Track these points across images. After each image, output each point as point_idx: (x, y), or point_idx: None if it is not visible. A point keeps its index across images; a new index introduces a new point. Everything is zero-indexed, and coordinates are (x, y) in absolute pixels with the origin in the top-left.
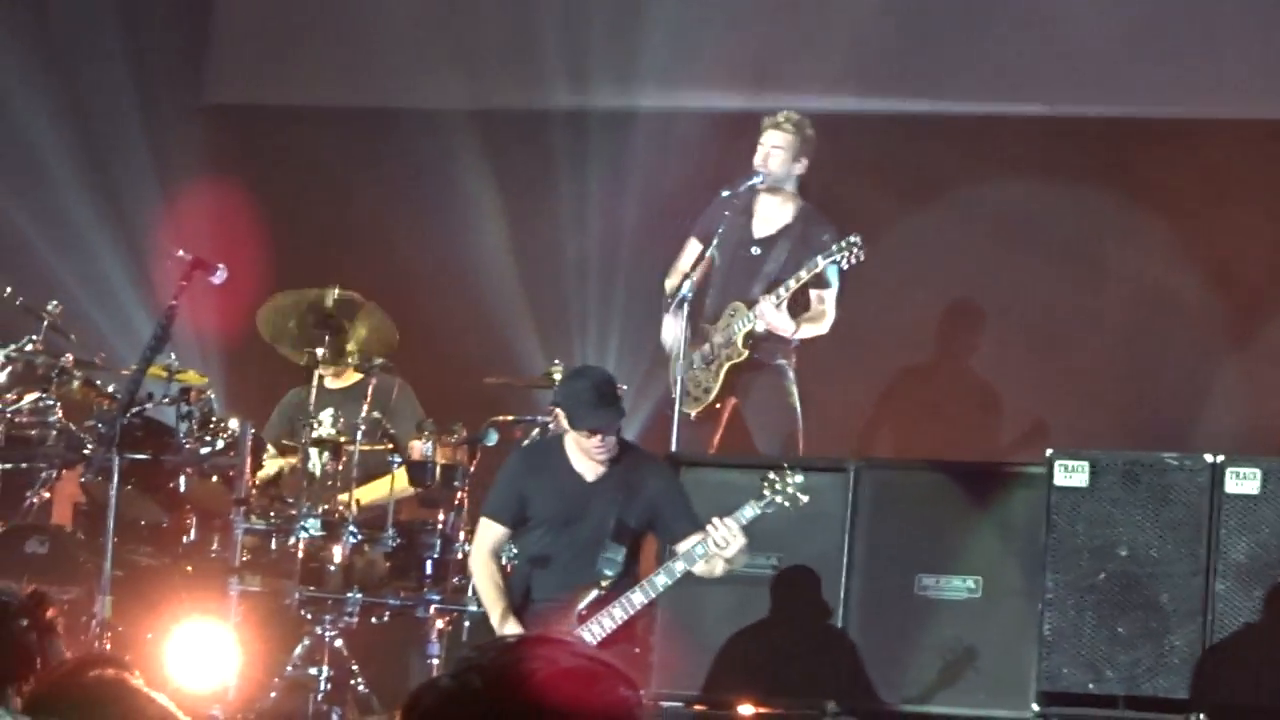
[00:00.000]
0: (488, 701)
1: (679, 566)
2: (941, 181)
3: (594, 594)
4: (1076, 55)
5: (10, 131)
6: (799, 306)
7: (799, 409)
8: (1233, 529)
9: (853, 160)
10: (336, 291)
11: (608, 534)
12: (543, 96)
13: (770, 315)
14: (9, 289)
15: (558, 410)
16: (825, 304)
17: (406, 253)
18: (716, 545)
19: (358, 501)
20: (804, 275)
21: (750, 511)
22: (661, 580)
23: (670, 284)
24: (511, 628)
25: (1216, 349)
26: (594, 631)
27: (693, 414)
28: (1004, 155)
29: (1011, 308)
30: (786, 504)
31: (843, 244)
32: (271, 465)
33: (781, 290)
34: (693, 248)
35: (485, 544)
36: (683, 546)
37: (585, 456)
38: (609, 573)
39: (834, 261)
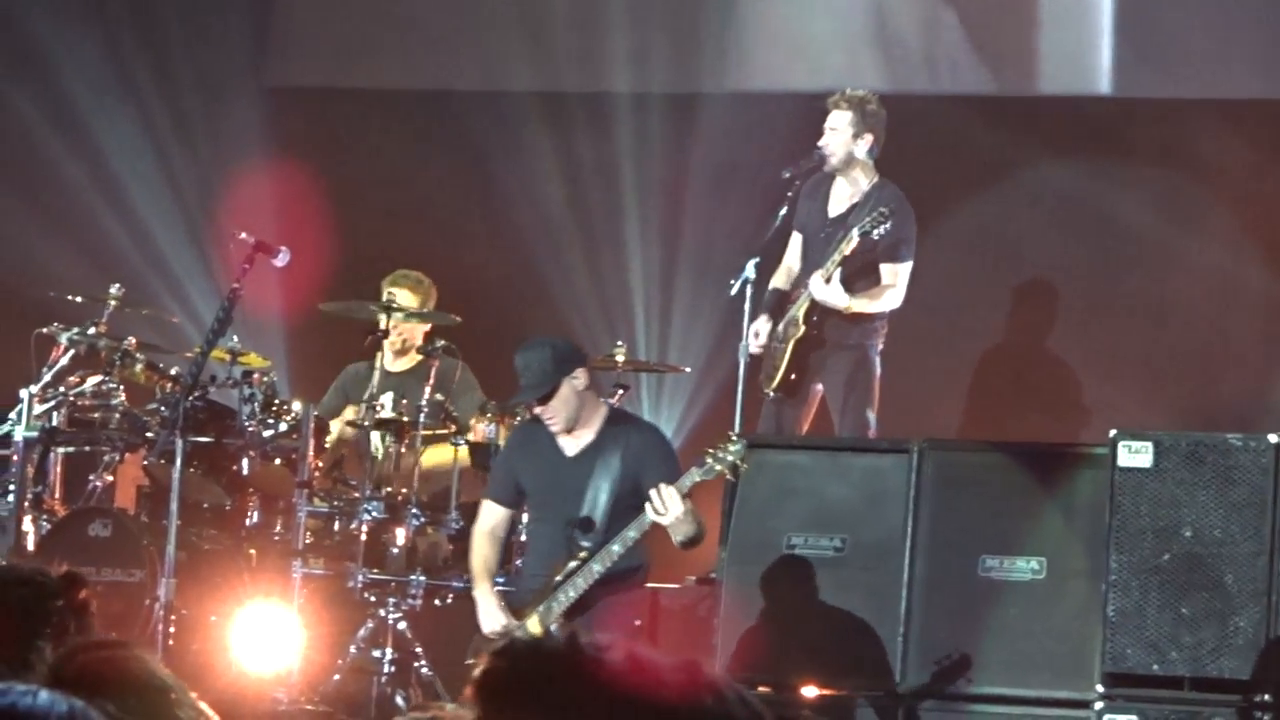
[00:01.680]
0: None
1: (630, 534)
2: (1008, 164)
3: (571, 565)
4: (1144, 37)
5: (74, 115)
6: (872, 281)
7: (875, 393)
8: None
9: (921, 143)
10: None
11: (583, 509)
12: (606, 79)
13: (819, 291)
14: (71, 295)
15: (620, 391)
16: (895, 278)
17: (469, 235)
18: (656, 511)
19: (421, 467)
20: (836, 256)
21: (689, 479)
22: (615, 548)
23: (751, 280)
24: (480, 595)
25: None
26: (560, 601)
27: (770, 392)
28: (1070, 138)
29: (1078, 289)
30: (726, 471)
31: (872, 215)
32: (334, 427)
33: (819, 272)
34: (793, 240)
35: (482, 523)
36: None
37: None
38: (585, 544)
39: (864, 232)
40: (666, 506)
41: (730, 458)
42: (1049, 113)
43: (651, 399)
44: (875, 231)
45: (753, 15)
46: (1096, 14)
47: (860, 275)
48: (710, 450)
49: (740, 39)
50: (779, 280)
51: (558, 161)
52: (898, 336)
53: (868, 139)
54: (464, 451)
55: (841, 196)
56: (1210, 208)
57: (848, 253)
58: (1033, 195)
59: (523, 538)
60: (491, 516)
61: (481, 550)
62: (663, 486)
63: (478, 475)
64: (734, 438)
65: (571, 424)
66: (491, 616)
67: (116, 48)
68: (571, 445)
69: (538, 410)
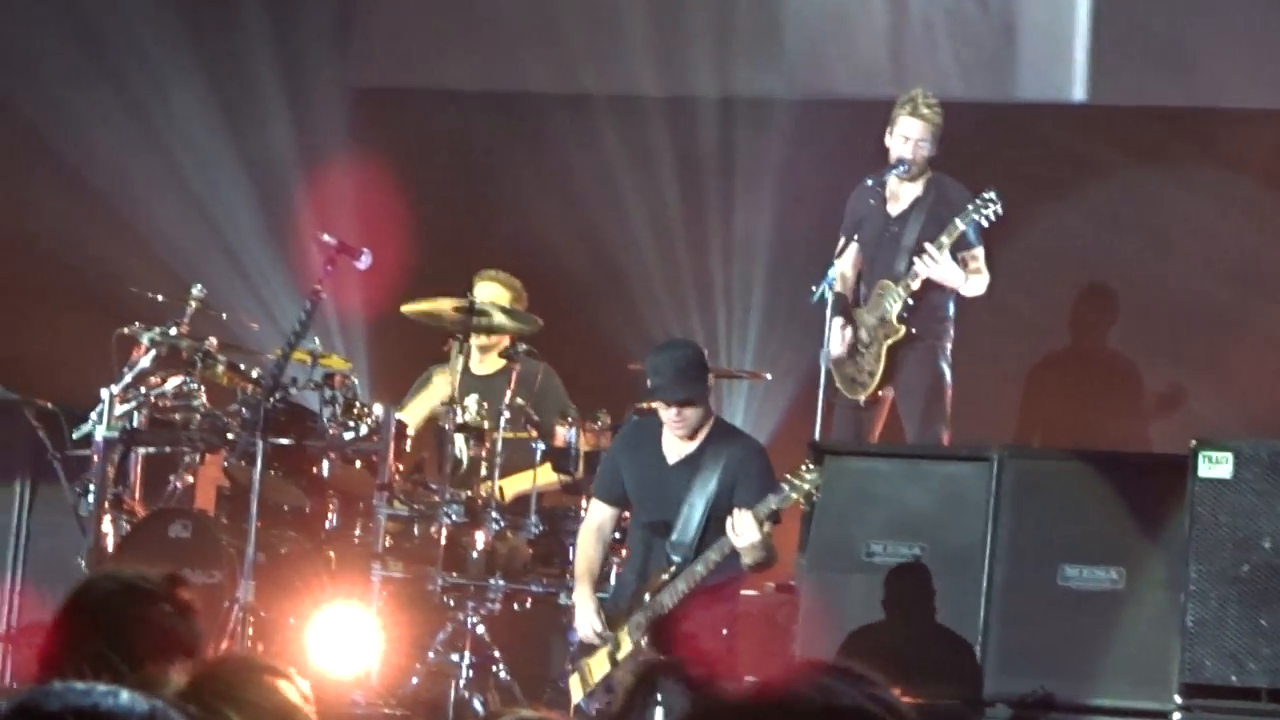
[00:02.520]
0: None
1: (712, 556)
2: (1086, 169)
3: (663, 579)
4: (1225, 47)
5: (159, 115)
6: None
7: (949, 401)
8: None
9: (992, 148)
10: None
11: (679, 518)
12: (687, 83)
13: (934, 271)
14: (149, 291)
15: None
16: (978, 262)
17: (551, 239)
18: (734, 531)
19: (502, 490)
20: (945, 240)
21: (765, 507)
22: (699, 569)
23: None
24: (579, 597)
25: None
26: (647, 616)
27: (862, 400)
28: (1144, 143)
29: (1158, 297)
30: (801, 499)
31: (978, 201)
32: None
33: (930, 246)
34: (849, 248)
35: (589, 522)
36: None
37: (672, 435)
38: (676, 557)
39: (973, 220)
40: (741, 531)
41: (806, 486)
42: (1123, 118)
43: (733, 405)
44: (985, 219)
45: (828, 20)
46: (1182, 23)
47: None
48: (787, 477)
49: (817, 44)
50: (838, 287)
51: (637, 166)
52: (975, 344)
53: (937, 144)
54: (545, 467)
55: (901, 195)
56: None
57: (948, 243)
58: (1109, 202)
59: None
60: (598, 514)
61: (586, 550)
62: (740, 511)
63: (557, 480)
64: (810, 466)
65: (695, 432)
66: (586, 622)
67: (200, 45)
68: (674, 452)
69: (671, 417)
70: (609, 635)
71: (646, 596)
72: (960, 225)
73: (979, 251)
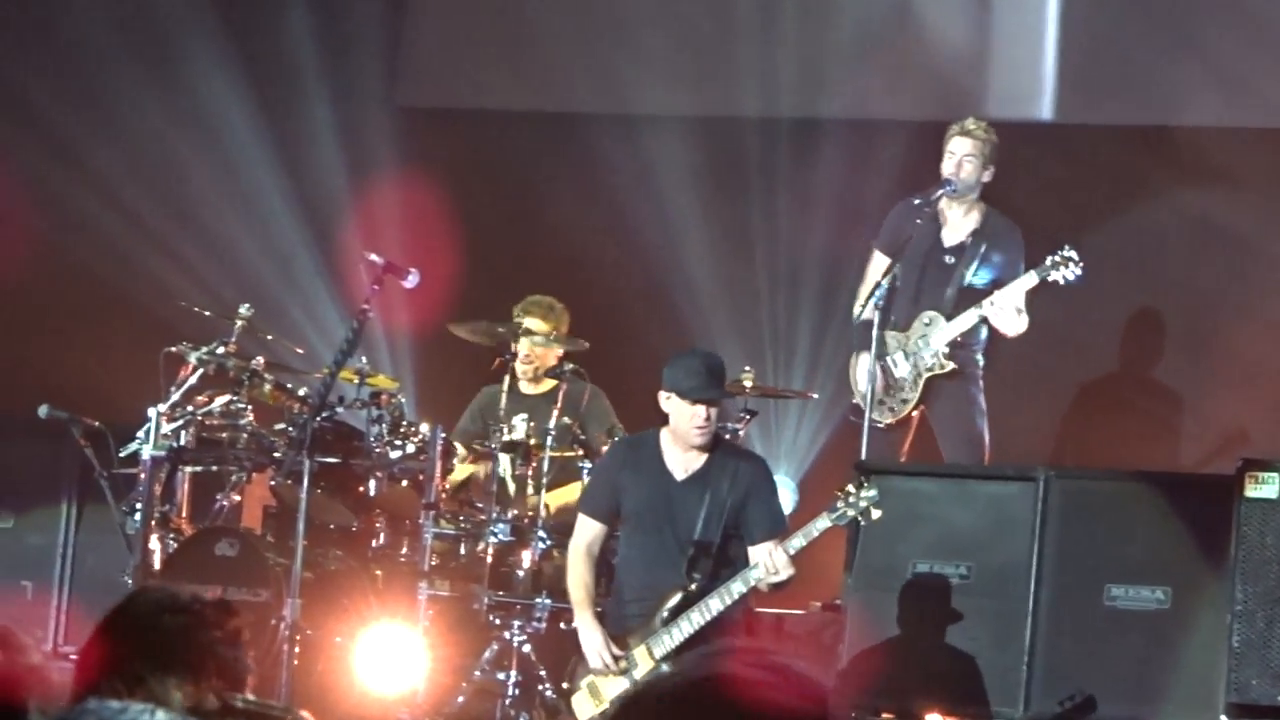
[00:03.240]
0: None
1: (735, 587)
2: (1126, 191)
3: (678, 597)
4: (1254, 66)
5: (207, 134)
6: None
7: (985, 417)
8: None
9: (1035, 171)
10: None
11: (694, 535)
12: (734, 102)
13: (994, 316)
14: (196, 307)
15: (747, 416)
16: (1023, 303)
17: (598, 259)
18: (768, 570)
19: (548, 506)
20: (1020, 287)
21: (821, 524)
22: (722, 597)
23: (857, 309)
24: (585, 625)
25: None
26: (674, 635)
27: (884, 423)
28: (1188, 164)
29: (1204, 314)
30: (859, 517)
31: (1059, 257)
32: (462, 471)
33: (1011, 293)
34: (878, 262)
35: (579, 540)
36: (752, 558)
37: (680, 446)
38: (697, 575)
39: (1048, 274)
40: (778, 568)
41: (863, 503)
42: (1167, 140)
43: (780, 425)
44: (1061, 278)
45: (871, 41)
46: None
47: (972, 301)
48: (841, 494)
49: (860, 64)
50: (867, 312)
51: (683, 186)
52: (1020, 365)
53: (990, 170)
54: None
55: (956, 225)
56: None
57: (1022, 292)
58: (1153, 222)
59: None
60: (588, 532)
61: (580, 573)
62: (774, 551)
63: None
64: (865, 482)
65: (707, 444)
66: (595, 650)
67: (250, 62)
68: (681, 469)
69: (703, 418)
70: (622, 655)
71: (664, 613)
72: (1036, 278)
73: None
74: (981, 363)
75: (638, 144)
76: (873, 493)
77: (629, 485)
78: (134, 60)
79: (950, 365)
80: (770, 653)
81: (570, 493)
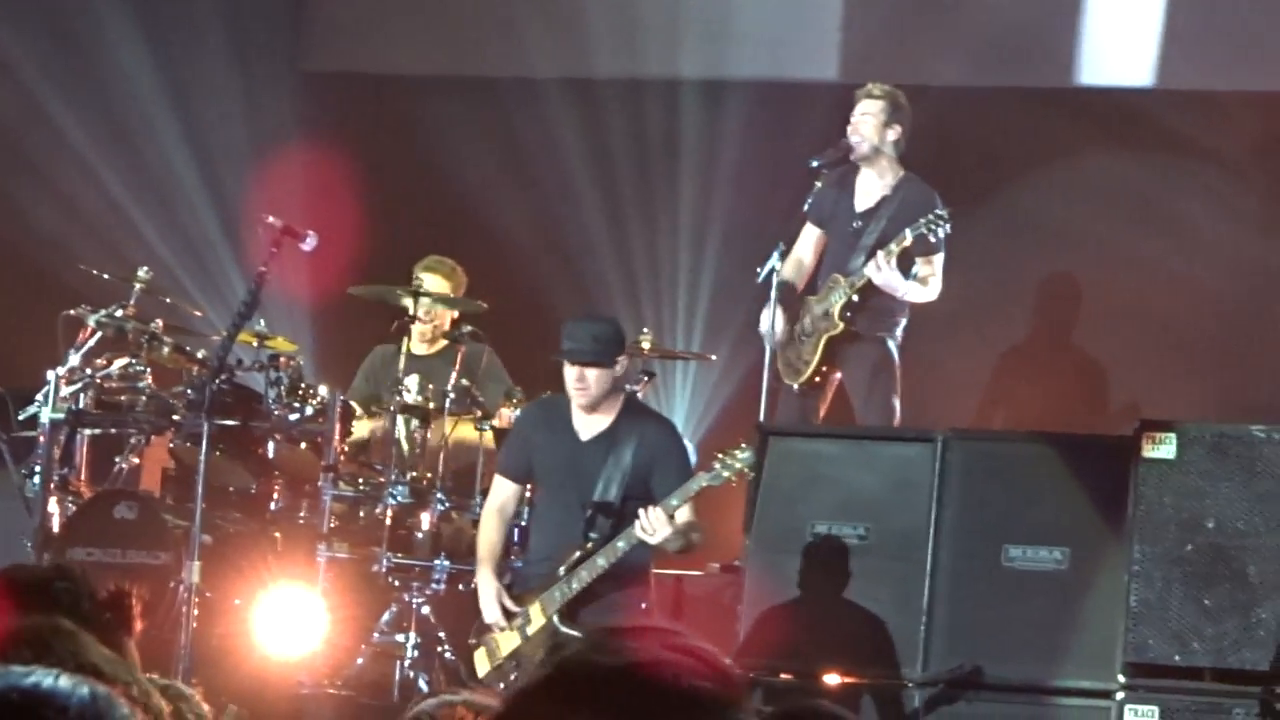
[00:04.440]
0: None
1: (619, 544)
2: (1039, 154)
3: (576, 555)
4: (1177, 29)
5: (106, 96)
6: (908, 273)
7: (898, 382)
8: None
9: (951, 133)
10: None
11: (595, 495)
12: (638, 65)
13: (878, 277)
14: (95, 269)
15: (646, 378)
16: (932, 268)
17: (501, 222)
18: (644, 530)
19: (447, 438)
20: (894, 249)
21: (696, 484)
22: (620, 544)
23: (778, 268)
24: (482, 580)
25: None
26: (564, 592)
27: (795, 386)
28: (1102, 127)
29: (1109, 280)
30: (733, 478)
31: (931, 216)
32: (361, 428)
33: (881, 254)
34: (807, 232)
35: (493, 500)
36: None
37: (582, 413)
38: (594, 534)
39: (920, 233)
40: (654, 528)
41: (738, 464)
42: (1082, 103)
43: (679, 387)
44: (933, 234)
45: (785, 4)
46: (1132, 8)
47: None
48: (719, 456)
49: (771, 27)
50: (787, 271)
51: (589, 149)
52: (924, 328)
53: (896, 130)
54: (489, 437)
55: (869, 190)
56: (1243, 197)
57: (896, 251)
58: (1065, 185)
59: (523, 522)
60: (502, 492)
61: (489, 532)
62: (650, 510)
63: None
64: (743, 446)
65: (596, 404)
66: (492, 605)
67: (151, 27)
68: (587, 429)
69: (574, 378)
70: (518, 611)
71: (561, 571)
72: (909, 236)
73: (936, 259)
74: (901, 326)
75: (541, 108)
76: (748, 454)
77: (540, 445)
78: (33, 19)
79: (841, 326)
80: (681, 634)
81: (468, 430)
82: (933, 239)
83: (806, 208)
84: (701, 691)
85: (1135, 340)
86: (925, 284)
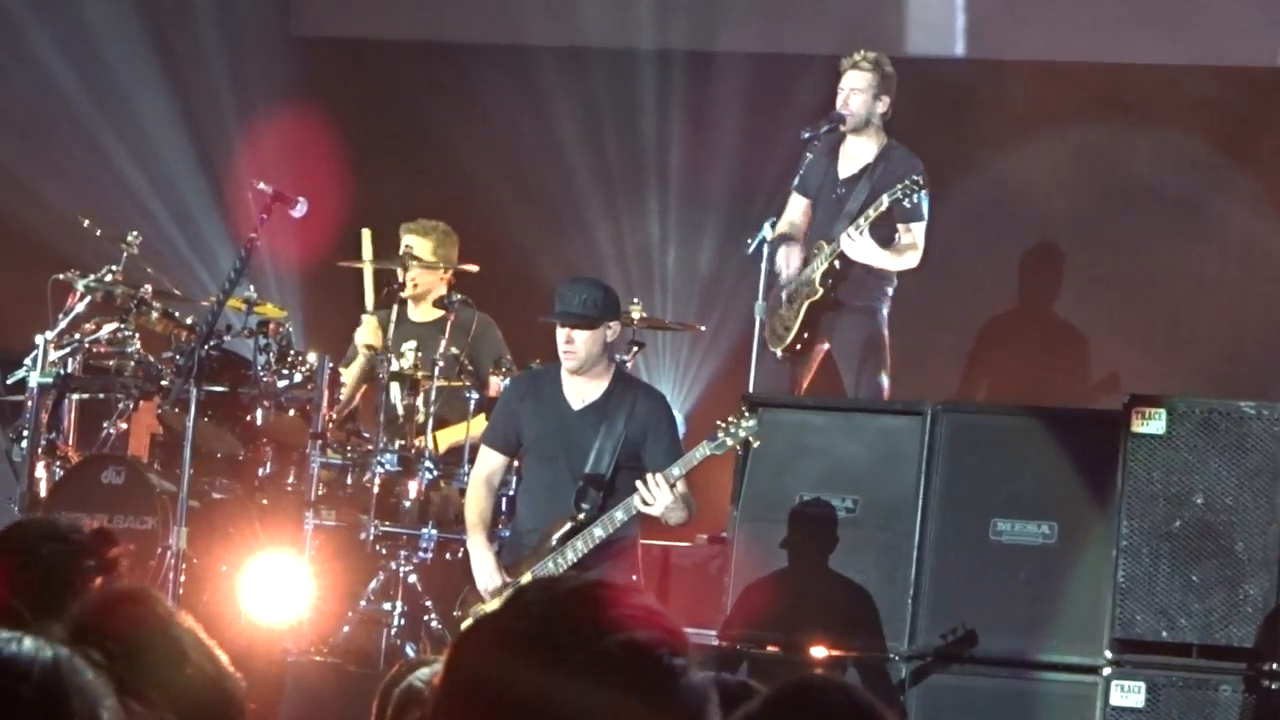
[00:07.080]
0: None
1: (617, 515)
2: (1028, 125)
3: (568, 526)
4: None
5: (94, 61)
6: (891, 241)
7: (887, 352)
8: None
9: (938, 103)
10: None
11: (587, 466)
12: (629, 35)
13: (851, 249)
14: (88, 220)
15: (635, 348)
16: (912, 236)
17: (490, 189)
18: (644, 500)
19: (436, 444)
20: (871, 214)
21: (700, 453)
22: (618, 514)
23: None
24: (476, 549)
25: None
26: (558, 563)
27: (778, 352)
28: (1095, 100)
29: (1100, 254)
30: (737, 446)
31: (906, 183)
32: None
33: (860, 221)
34: (794, 201)
35: (479, 471)
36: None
37: (573, 382)
38: (585, 504)
39: (896, 199)
40: (655, 498)
41: (743, 433)
42: (1074, 75)
43: (668, 357)
44: (908, 200)
45: None
46: None
47: (875, 235)
48: (722, 424)
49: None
50: (780, 235)
51: (580, 117)
52: (914, 299)
53: (885, 100)
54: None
55: (853, 158)
56: (1238, 173)
57: (873, 216)
58: (1052, 158)
59: (510, 492)
60: (490, 462)
61: (478, 501)
62: (652, 477)
63: None
64: (746, 412)
65: (585, 368)
66: (486, 573)
67: None
68: (578, 399)
69: (563, 340)
70: (511, 583)
71: (552, 541)
72: (885, 202)
73: (916, 227)
74: (889, 294)
75: (531, 75)
76: (752, 422)
77: (529, 415)
78: None
79: (821, 291)
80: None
81: (457, 432)
82: (908, 204)
83: (796, 180)
84: (641, 639)
85: (1118, 312)
86: (902, 253)
